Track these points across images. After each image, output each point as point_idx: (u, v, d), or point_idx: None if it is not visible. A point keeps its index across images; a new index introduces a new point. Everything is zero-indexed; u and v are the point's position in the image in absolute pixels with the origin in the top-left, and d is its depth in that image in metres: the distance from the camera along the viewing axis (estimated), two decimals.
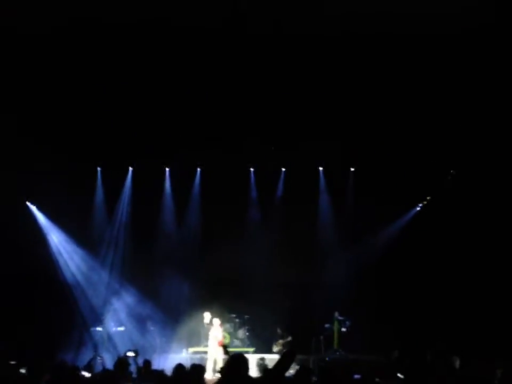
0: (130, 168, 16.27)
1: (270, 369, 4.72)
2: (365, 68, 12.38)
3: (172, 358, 13.02)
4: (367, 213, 14.55)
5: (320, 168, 16.14)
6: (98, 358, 13.33)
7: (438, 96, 12.83)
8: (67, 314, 14.70)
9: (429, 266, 14.50)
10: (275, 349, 14.42)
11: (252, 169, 16.28)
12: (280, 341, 14.40)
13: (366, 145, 14.33)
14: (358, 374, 7.17)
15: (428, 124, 13.49)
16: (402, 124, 13.53)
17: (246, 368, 4.79)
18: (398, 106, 13.21)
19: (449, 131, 13.54)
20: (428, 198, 15.70)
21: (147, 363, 8.47)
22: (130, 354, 9.37)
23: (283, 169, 16.16)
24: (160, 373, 6.64)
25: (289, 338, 14.32)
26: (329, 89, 12.93)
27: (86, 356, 13.72)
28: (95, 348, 14.28)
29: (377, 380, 6.66)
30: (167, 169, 16.39)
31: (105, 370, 7.82)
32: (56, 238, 15.65)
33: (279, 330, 14.56)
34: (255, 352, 14.20)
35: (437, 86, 12.60)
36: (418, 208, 15.89)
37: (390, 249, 14.95)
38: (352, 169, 15.94)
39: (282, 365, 4.69)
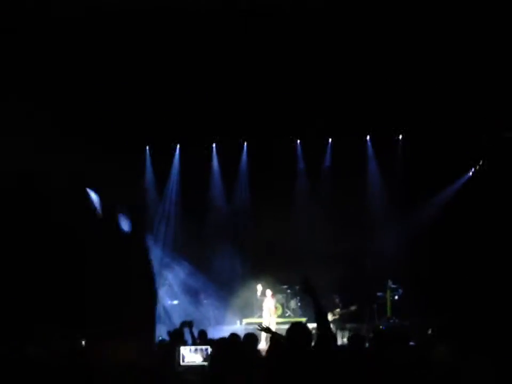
0: (178, 146, 16.51)
1: (319, 334, 4.67)
2: (409, 32, 12.07)
3: (226, 329, 13.24)
4: (417, 180, 14.31)
5: (368, 137, 15.96)
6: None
7: (487, 55, 12.40)
8: None
9: (481, 233, 14.16)
10: (330, 317, 14.37)
11: (298, 141, 16.24)
12: (338, 310, 14.19)
13: (413, 110, 13.99)
14: (413, 341, 7.14)
15: (476, 84, 13.05)
16: (450, 85, 13.14)
17: (309, 337, 4.73)
18: (444, 69, 12.82)
19: (499, 91, 13.07)
20: (480, 162, 15.28)
21: (202, 333, 8.66)
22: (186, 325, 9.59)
23: (330, 140, 16.06)
24: (215, 340, 6.77)
25: (353, 308, 14.06)
26: (373, 55, 12.68)
27: None
28: None
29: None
30: (214, 144, 16.53)
31: (162, 340, 8.05)
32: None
33: (336, 300, 14.38)
34: (307, 322, 14.28)
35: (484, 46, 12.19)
36: (470, 174, 15.51)
37: (442, 216, 14.67)
38: (400, 136, 15.68)
39: (321, 323, 4.63)
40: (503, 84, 12.90)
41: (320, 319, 4.60)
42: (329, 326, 4.70)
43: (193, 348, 6.46)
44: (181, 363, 6.39)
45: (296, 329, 4.70)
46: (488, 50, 12.24)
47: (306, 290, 4.68)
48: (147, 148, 16.49)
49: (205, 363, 6.39)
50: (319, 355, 4.54)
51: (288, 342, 4.65)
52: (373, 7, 11.51)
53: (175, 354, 6.42)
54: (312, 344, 4.71)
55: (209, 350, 6.48)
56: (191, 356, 6.37)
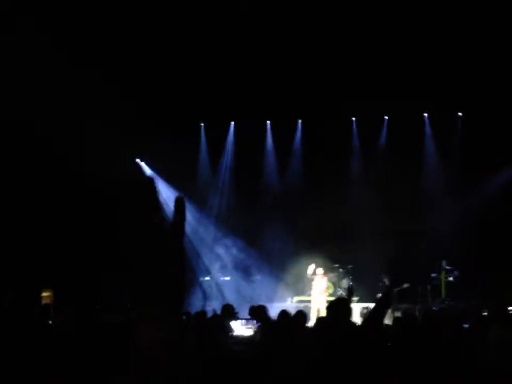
0: (232, 123, 16.58)
1: (366, 317, 4.69)
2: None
3: (276, 306, 13.30)
4: (476, 159, 13.90)
5: (425, 115, 15.57)
6: (208, 305, 13.95)
7: None
8: None
9: None
10: None
11: (353, 118, 16.01)
12: None
13: (474, 87, 13.51)
14: (467, 323, 7.01)
15: None
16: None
17: (348, 312, 4.79)
18: (506, 40, 12.31)
19: None
20: None
21: (252, 309, 8.76)
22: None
23: (386, 117, 15.76)
24: (265, 313, 6.81)
25: (406, 285, 13.83)
26: (431, 26, 12.32)
27: (197, 303, 14.37)
28: (205, 296, 14.96)
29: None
30: (268, 122, 16.51)
31: (215, 313, 8.23)
32: (162, 191, 16.27)
33: (385, 279, 14.21)
34: (359, 301, 14.18)
35: None
36: None
37: (501, 198, 14.22)
38: (460, 114, 15.21)
39: (378, 311, 4.63)
40: None
41: (382, 306, 4.63)
42: (383, 316, 4.74)
43: (244, 321, 6.58)
44: (231, 335, 6.52)
45: (336, 304, 4.77)
46: None
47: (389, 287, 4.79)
48: (202, 124, 16.64)
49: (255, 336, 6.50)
50: (361, 331, 4.58)
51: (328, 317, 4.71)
52: None
53: (226, 327, 6.55)
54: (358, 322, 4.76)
55: (259, 324, 6.57)
56: (241, 329, 6.49)
